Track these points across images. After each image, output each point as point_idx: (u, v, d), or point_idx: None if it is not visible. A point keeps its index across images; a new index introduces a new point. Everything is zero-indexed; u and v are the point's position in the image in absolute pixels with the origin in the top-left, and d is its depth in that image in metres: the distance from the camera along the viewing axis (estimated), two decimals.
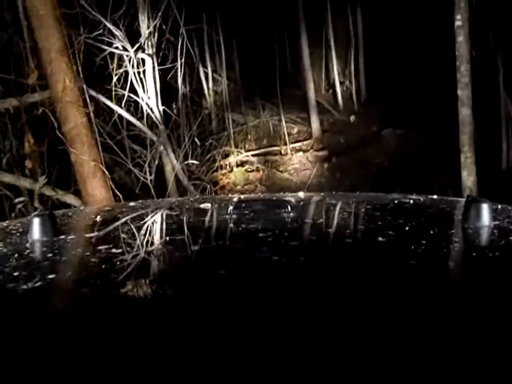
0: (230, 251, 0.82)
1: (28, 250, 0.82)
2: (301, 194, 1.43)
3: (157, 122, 4.92)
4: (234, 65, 8.97)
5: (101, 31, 4.53)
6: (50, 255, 0.79)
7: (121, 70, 4.75)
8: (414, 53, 7.83)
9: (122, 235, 0.96)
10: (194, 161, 5.47)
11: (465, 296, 0.60)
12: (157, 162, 4.83)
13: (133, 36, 4.86)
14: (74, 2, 4.21)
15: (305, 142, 8.14)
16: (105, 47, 4.67)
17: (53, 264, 0.76)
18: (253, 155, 7.60)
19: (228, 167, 7.26)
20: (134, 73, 4.74)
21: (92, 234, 0.93)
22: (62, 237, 0.88)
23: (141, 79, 4.82)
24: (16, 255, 0.78)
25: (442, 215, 1.12)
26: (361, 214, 1.18)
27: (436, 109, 7.02)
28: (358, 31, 9.16)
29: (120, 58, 4.79)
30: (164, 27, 5.08)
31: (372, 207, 1.21)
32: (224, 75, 8.37)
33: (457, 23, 4.23)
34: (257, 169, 7.33)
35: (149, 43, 4.95)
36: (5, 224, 1.06)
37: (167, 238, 0.90)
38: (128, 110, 4.98)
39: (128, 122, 4.95)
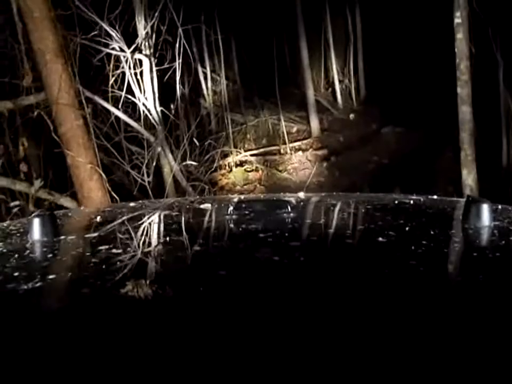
0: (230, 252, 0.82)
1: (28, 251, 0.82)
2: (301, 194, 1.42)
3: (155, 123, 4.89)
4: (233, 64, 8.94)
5: (97, 32, 4.49)
6: (50, 255, 0.80)
7: (118, 71, 4.72)
8: (413, 51, 7.80)
9: (123, 235, 0.96)
10: (193, 162, 5.44)
11: (466, 296, 0.60)
12: (154, 163, 4.79)
13: (130, 37, 4.83)
14: (70, 4, 4.17)
15: (304, 141, 8.11)
16: (102, 48, 4.63)
17: (53, 264, 0.76)
18: (252, 155, 7.58)
19: (227, 167, 7.24)
20: (131, 74, 4.71)
21: (92, 235, 0.93)
22: (62, 237, 0.88)
23: (137, 80, 4.78)
24: (16, 255, 0.78)
25: (442, 216, 1.12)
26: (361, 214, 1.18)
27: (436, 107, 6.99)
28: (357, 29, 9.13)
29: (117, 59, 4.75)
30: (161, 27, 5.04)
31: (372, 207, 1.21)
32: (223, 75, 8.34)
33: (457, 20, 4.20)
34: (257, 169, 7.31)
35: (146, 44, 4.92)
36: (5, 225, 1.06)
37: (167, 239, 0.90)
38: (126, 111, 4.95)
39: (126, 123, 4.92)
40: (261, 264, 0.72)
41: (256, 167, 7.32)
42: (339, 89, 9.17)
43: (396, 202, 1.25)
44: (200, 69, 8.12)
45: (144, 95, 4.86)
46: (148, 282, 0.62)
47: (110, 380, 0.43)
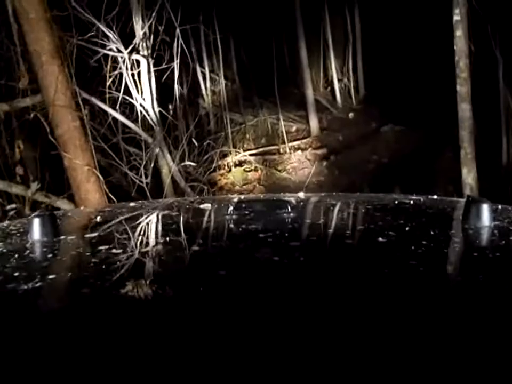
0: (229, 252, 0.82)
1: (28, 251, 0.82)
2: (301, 194, 1.42)
3: (153, 124, 4.87)
4: (232, 64, 8.92)
5: (94, 33, 4.46)
6: (50, 255, 0.80)
7: (115, 72, 4.69)
8: (412, 49, 7.77)
9: (123, 235, 0.96)
10: (191, 163, 5.42)
11: (466, 296, 0.60)
12: (153, 164, 4.77)
13: (128, 37, 4.80)
14: (66, 4, 4.15)
15: (303, 140, 8.09)
16: (99, 49, 4.60)
17: (53, 264, 0.77)
18: (251, 154, 7.56)
19: (226, 167, 7.22)
20: (129, 75, 4.68)
21: (92, 235, 0.93)
22: (62, 237, 0.88)
23: (135, 81, 4.75)
24: (16, 255, 0.78)
25: (442, 216, 1.12)
26: (361, 214, 1.18)
27: (435, 105, 6.97)
28: (356, 28, 9.11)
29: (115, 60, 4.73)
30: (159, 28, 5.01)
31: (372, 207, 1.21)
32: (221, 74, 8.32)
33: (456, 17, 4.17)
34: (256, 169, 7.29)
35: (144, 44, 4.89)
36: (5, 225, 1.06)
37: (167, 239, 0.90)
38: (123, 112, 4.92)
39: (124, 124, 4.90)
40: (260, 264, 0.72)
41: (255, 167, 7.30)
42: (338, 88, 9.15)
43: (396, 202, 1.25)
44: (198, 69, 8.10)
45: (142, 96, 4.83)
46: (147, 282, 0.62)
47: (110, 380, 0.43)
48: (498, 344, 0.48)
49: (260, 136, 8.29)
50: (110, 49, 4.65)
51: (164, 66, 5.02)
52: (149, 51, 4.92)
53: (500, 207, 1.08)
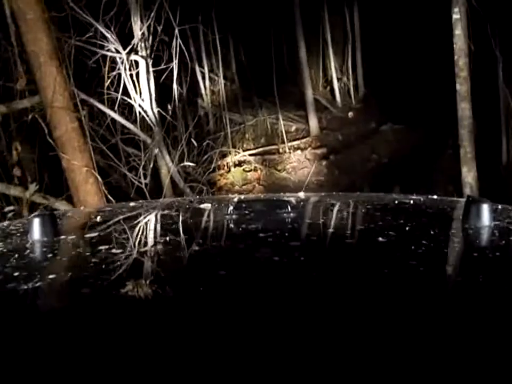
0: (230, 251, 0.82)
1: (28, 250, 0.82)
2: (301, 194, 1.42)
3: (152, 124, 4.85)
4: (231, 64, 8.91)
5: (92, 33, 4.45)
6: (50, 255, 0.80)
7: (114, 73, 4.68)
8: (412, 48, 7.76)
9: (123, 235, 0.96)
10: (190, 163, 5.41)
11: (466, 296, 0.60)
12: (152, 165, 4.75)
13: (127, 38, 4.79)
14: (64, 5, 4.13)
15: (303, 140, 8.08)
16: (97, 50, 4.59)
17: (53, 264, 0.77)
18: (250, 154, 7.55)
19: (225, 167, 7.21)
20: (127, 75, 4.66)
21: (92, 234, 0.92)
22: (63, 237, 0.88)
23: (133, 81, 4.74)
24: (16, 255, 0.78)
25: (442, 216, 1.12)
26: (361, 214, 1.17)
27: (435, 104, 6.95)
28: (355, 27, 9.09)
29: (113, 60, 4.71)
30: (158, 28, 4.99)
31: (372, 207, 1.21)
32: (220, 74, 8.31)
33: (455, 16, 4.16)
34: (255, 169, 7.27)
35: (142, 44, 4.87)
36: (5, 224, 1.07)
37: (167, 238, 0.89)
38: (122, 113, 4.91)
39: (122, 125, 4.88)
40: (261, 264, 0.72)
41: (255, 167, 7.29)
42: (337, 88, 9.13)
43: (396, 202, 1.25)
44: (198, 69, 8.08)
45: (140, 96, 4.81)
46: (147, 282, 0.62)
47: (110, 380, 0.43)
48: (499, 344, 0.48)
49: (259, 136, 8.28)
50: (108, 50, 4.63)
51: (162, 66, 5.01)
52: (148, 51, 4.91)
53: (500, 206, 1.08)
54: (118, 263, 0.75)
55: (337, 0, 8.88)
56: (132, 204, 1.35)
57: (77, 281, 0.68)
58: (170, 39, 5.12)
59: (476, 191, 4.38)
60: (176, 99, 5.27)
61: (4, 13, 3.61)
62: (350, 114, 8.76)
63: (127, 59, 4.66)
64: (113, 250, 0.79)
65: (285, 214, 1.02)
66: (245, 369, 0.44)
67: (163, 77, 5.12)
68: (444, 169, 6.23)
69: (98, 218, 1.10)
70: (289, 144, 7.92)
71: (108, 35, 4.52)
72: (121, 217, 1.14)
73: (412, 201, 1.22)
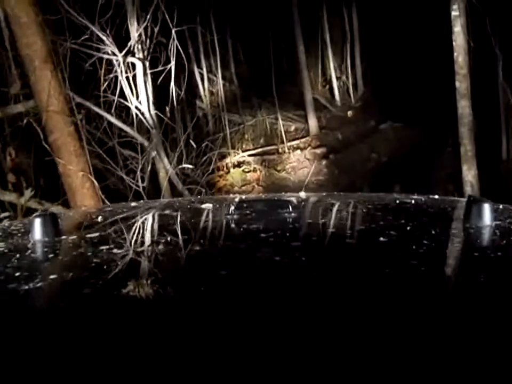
0: (231, 251, 0.82)
1: (30, 251, 0.82)
2: (302, 194, 1.41)
3: (149, 127, 4.82)
4: (230, 64, 8.88)
5: (88, 36, 4.41)
6: (51, 255, 0.80)
7: (111, 76, 4.64)
8: (411, 46, 7.72)
9: (124, 235, 0.96)
10: (189, 165, 5.37)
11: (467, 296, 0.60)
12: (149, 167, 4.72)
13: (123, 40, 4.75)
14: (59, 8, 4.10)
15: (302, 140, 8.05)
16: (93, 53, 4.55)
17: (54, 264, 0.77)
18: (250, 155, 7.51)
19: (224, 168, 7.18)
20: (124, 78, 4.63)
21: (93, 235, 0.92)
22: (64, 237, 0.88)
23: (129, 84, 4.70)
24: (17, 255, 0.78)
25: (443, 215, 1.12)
26: (362, 214, 1.17)
27: (435, 102, 6.92)
28: (354, 26, 9.07)
29: (110, 63, 4.68)
30: (155, 29, 4.96)
31: (373, 207, 1.21)
32: (219, 75, 8.28)
33: (454, 13, 4.12)
34: (255, 170, 7.24)
35: (139, 46, 4.84)
36: (6, 225, 1.07)
37: (168, 239, 0.89)
38: (119, 116, 4.87)
39: (120, 128, 4.85)
40: (262, 264, 0.72)
41: (254, 168, 7.26)
42: (337, 87, 9.11)
43: (397, 202, 1.25)
44: (196, 70, 8.05)
45: (138, 98, 4.78)
46: (149, 282, 0.62)
47: (111, 380, 0.43)
48: (500, 343, 0.47)
49: (259, 136, 8.25)
50: (105, 52, 4.59)
51: (160, 68, 4.97)
52: (145, 53, 4.87)
53: (501, 206, 1.08)
54: (120, 263, 0.75)
55: (335, 0, 8.85)
56: (133, 203, 1.35)
57: (78, 282, 0.67)
58: (168, 40, 5.08)
59: (476, 190, 4.34)
60: (175, 101, 5.23)
61: None
62: (349, 113, 8.73)
63: (124, 61, 4.62)
64: (115, 251, 0.79)
65: (286, 214, 1.02)
66: (246, 369, 0.44)
67: (160, 79, 5.08)
68: (443, 168, 6.20)
69: (99, 219, 1.09)
70: (289, 144, 7.89)
71: (104, 37, 4.49)
72: (122, 217, 1.14)
73: (413, 201, 1.22)
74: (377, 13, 8.44)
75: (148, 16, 4.81)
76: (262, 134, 8.27)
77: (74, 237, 0.90)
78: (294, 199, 1.20)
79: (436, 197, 1.33)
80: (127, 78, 4.67)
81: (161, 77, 4.95)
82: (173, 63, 4.86)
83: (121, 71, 4.59)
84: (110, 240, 0.88)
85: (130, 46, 4.73)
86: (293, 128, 8.45)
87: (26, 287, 0.63)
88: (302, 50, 8.20)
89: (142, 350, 0.47)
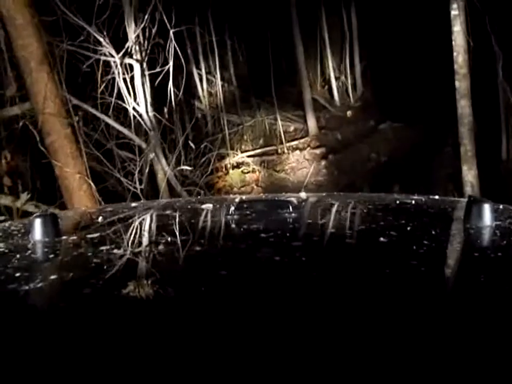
0: (231, 252, 0.82)
1: (30, 251, 0.81)
2: (303, 194, 1.41)
3: (147, 128, 4.79)
4: (229, 65, 8.86)
5: (84, 37, 4.38)
6: (52, 255, 0.80)
7: (108, 77, 4.61)
8: (410, 45, 7.69)
9: (124, 235, 0.96)
10: (187, 167, 5.34)
11: (468, 296, 0.60)
12: (147, 169, 4.69)
13: (121, 41, 4.72)
14: (55, 9, 4.06)
15: (301, 140, 8.02)
16: (90, 54, 4.52)
17: (54, 264, 0.77)
18: (249, 156, 7.49)
19: (223, 169, 7.15)
20: (121, 79, 4.59)
21: (94, 235, 0.91)
22: (64, 237, 0.88)
23: (127, 85, 4.67)
24: (18, 256, 0.78)
25: (444, 216, 1.12)
26: (363, 214, 1.17)
27: (434, 101, 6.89)
28: (352, 26, 9.05)
29: (108, 64, 4.64)
30: (153, 30, 4.92)
31: (373, 207, 1.21)
32: (218, 76, 8.25)
33: (453, 12, 4.09)
34: (254, 170, 7.21)
35: (137, 48, 4.80)
36: (7, 225, 1.07)
37: (168, 239, 0.88)
38: (117, 118, 4.84)
39: (118, 130, 4.82)
40: (262, 264, 0.72)
41: (253, 168, 7.23)
42: (336, 87, 9.09)
43: (398, 202, 1.25)
44: (195, 71, 8.03)
45: (135, 100, 4.75)
46: (149, 282, 0.62)
47: (111, 380, 0.43)
48: (500, 344, 0.47)
49: (258, 137, 8.22)
50: (102, 54, 4.56)
51: (158, 69, 4.93)
52: (143, 54, 4.84)
53: (501, 206, 1.08)
54: (120, 263, 0.75)
55: (334, 0, 8.83)
56: (133, 204, 1.34)
57: (78, 282, 0.67)
58: (166, 41, 5.05)
59: (476, 190, 4.32)
60: (173, 102, 5.19)
61: None
62: (349, 113, 8.71)
63: (121, 63, 4.59)
64: (115, 251, 0.79)
65: (286, 214, 1.02)
66: (247, 369, 0.44)
67: (158, 80, 5.05)
68: (443, 167, 6.17)
69: (99, 219, 1.09)
70: (288, 144, 7.87)
71: (101, 39, 4.45)
72: (122, 217, 1.14)
73: (413, 202, 1.22)
74: (376, 12, 8.42)
75: (146, 17, 4.78)
76: (261, 134, 8.25)
77: (75, 237, 0.90)
78: (294, 199, 1.19)
79: (436, 197, 1.33)
80: (125, 79, 4.64)
81: (159, 78, 4.91)
82: (171, 64, 4.82)
83: (119, 73, 4.55)
84: (111, 241, 0.88)
85: (128, 47, 4.70)
86: (292, 128, 8.43)
87: (27, 288, 0.62)
88: (301, 51, 8.18)
89: (142, 350, 0.47)
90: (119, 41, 4.68)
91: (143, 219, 1.17)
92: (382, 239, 0.83)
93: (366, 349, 0.46)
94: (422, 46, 7.49)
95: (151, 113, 4.84)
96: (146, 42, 4.85)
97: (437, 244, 0.82)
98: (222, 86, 8.41)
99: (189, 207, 1.28)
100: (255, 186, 6.96)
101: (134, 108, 4.72)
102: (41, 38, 3.35)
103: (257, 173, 7.21)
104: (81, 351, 0.47)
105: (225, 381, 0.42)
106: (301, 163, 7.53)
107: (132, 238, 0.96)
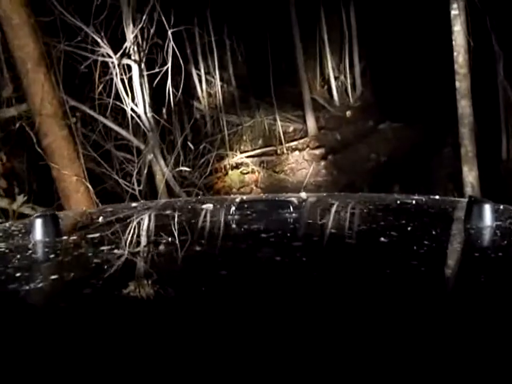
0: (232, 252, 0.82)
1: (30, 251, 0.82)
2: (303, 194, 1.41)
3: (145, 129, 4.76)
4: (228, 65, 8.83)
5: (82, 38, 4.34)
6: (52, 255, 0.79)
7: (106, 78, 4.57)
8: (410, 45, 7.66)
9: (125, 235, 0.97)
10: (186, 168, 5.31)
11: (469, 297, 0.60)
12: (146, 170, 4.66)
13: (119, 42, 4.68)
14: (53, 9, 4.03)
15: (301, 141, 7.99)
16: (88, 55, 4.48)
17: (55, 264, 0.76)
18: (248, 156, 7.46)
19: (222, 170, 7.12)
20: (119, 80, 4.56)
21: (94, 235, 0.92)
22: (65, 237, 0.88)
23: (125, 86, 4.63)
24: (18, 256, 0.78)
25: (444, 216, 1.11)
26: (364, 214, 1.17)
27: (434, 101, 6.87)
28: (352, 26, 9.02)
29: (106, 65, 4.61)
30: (152, 31, 4.89)
31: (374, 207, 1.21)
32: (217, 76, 8.22)
33: (454, 12, 4.06)
34: (253, 171, 7.19)
35: (135, 48, 4.77)
36: (7, 225, 1.07)
37: (169, 239, 0.88)
38: (116, 119, 4.81)
39: (116, 131, 4.79)
40: (263, 264, 0.72)
41: (252, 169, 7.20)
42: (335, 87, 9.06)
43: (398, 202, 1.25)
44: (194, 71, 8.00)
45: (133, 101, 4.71)
46: (149, 282, 0.62)
47: (111, 380, 0.43)
48: (500, 344, 0.47)
49: (257, 138, 8.19)
50: (100, 55, 4.53)
51: (156, 70, 4.90)
52: (141, 55, 4.80)
53: (501, 207, 1.08)
54: (121, 263, 0.74)
55: (333, 0, 8.80)
56: (133, 204, 1.34)
57: (78, 282, 0.67)
58: (165, 41, 5.01)
59: (477, 191, 4.29)
60: (172, 102, 5.16)
61: None
62: (348, 113, 8.68)
63: (119, 63, 4.56)
64: (116, 251, 0.79)
65: (287, 214, 1.02)
66: (247, 369, 0.44)
67: (157, 81, 5.01)
68: (443, 167, 6.15)
69: (100, 219, 1.09)
70: (287, 145, 7.84)
71: (99, 39, 4.42)
72: (123, 217, 1.14)
73: (413, 202, 1.22)
74: (376, 12, 8.39)
75: (144, 17, 4.75)
76: (260, 135, 8.22)
77: (75, 237, 0.90)
78: (295, 199, 1.19)
79: (437, 197, 1.33)
80: (123, 80, 4.61)
81: (158, 79, 4.88)
82: (169, 64, 4.79)
83: (117, 73, 4.52)
84: (111, 241, 0.88)
85: (126, 47, 4.67)
86: (291, 128, 8.40)
87: (27, 287, 0.62)
88: (300, 51, 8.16)
89: (142, 351, 0.47)
90: (117, 42, 4.65)
91: (144, 219, 1.17)
92: (382, 239, 0.82)
93: (367, 349, 0.46)
94: (422, 45, 7.46)
95: (149, 114, 4.81)
96: (144, 42, 4.82)
97: (437, 244, 0.82)
98: (221, 86, 8.38)
99: (189, 207, 1.28)
100: (254, 187, 6.93)
101: (132, 109, 4.68)
102: (38, 38, 3.32)
103: (256, 173, 7.18)
104: (82, 351, 0.47)
105: (225, 381, 0.42)
106: (300, 163, 7.50)
107: (132, 238, 0.96)
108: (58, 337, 0.51)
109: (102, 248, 0.81)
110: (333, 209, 1.23)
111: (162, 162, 4.87)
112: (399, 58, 7.85)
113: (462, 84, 4.17)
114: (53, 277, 0.69)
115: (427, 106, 7.10)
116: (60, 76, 3.65)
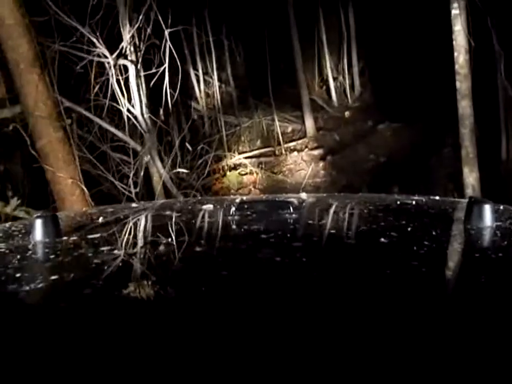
0: (232, 252, 0.82)
1: (30, 251, 0.82)
2: (303, 195, 1.40)
3: (142, 131, 4.70)
4: (226, 66, 8.78)
5: (77, 38, 4.28)
6: (52, 256, 0.80)
7: (102, 78, 4.52)
8: (409, 45, 7.62)
9: (125, 236, 0.96)
10: (183, 170, 5.26)
11: (469, 297, 0.59)
12: (142, 172, 4.61)
13: (115, 42, 4.63)
14: (47, 9, 3.97)
15: (299, 141, 7.95)
16: (83, 55, 4.42)
17: (55, 265, 0.76)
18: (246, 157, 7.41)
19: (220, 171, 7.08)
20: (114, 81, 4.50)
21: (95, 235, 0.91)
22: (65, 238, 0.88)
23: (120, 87, 4.57)
24: (18, 256, 0.78)
25: (445, 216, 1.11)
26: (364, 215, 1.17)
27: (433, 101, 6.83)
28: (350, 26, 8.98)
29: (102, 66, 4.55)
30: (148, 31, 4.83)
31: (374, 208, 1.20)
32: (215, 77, 8.17)
33: (454, 11, 4.02)
34: (251, 172, 7.14)
35: (131, 48, 4.71)
36: (7, 226, 1.08)
37: (169, 240, 0.89)
38: (112, 120, 4.75)
39: (112, 132, 4.73)
40: (263, 265, 0.72)
41: (251, 170, 7.16)
42: (334, 87, 9.02)
43: (398, 203, 1.26)
44: (192, 72, 7.95)
45: (130, 102, 4.66)
46: (150, 283, 0.62)
47: (111, 380, 0.43)
48: (500, 344, 0.47)
49: (255, 138, 8.15)
50: (95, 55, 4.47)
51: (153, 70, 4.85)
52: (138, 55, 4.75)
53: (502, 207, 1.08)
54: (121, 264, 0.75)
55: (332, 0, 8.76)
56: (133, 204, 1.35)
57: (79, 282, 0.67)
58: (162, 41, 4.96)
59: (478, 192, 4.25)
60: (169, 103, 5.11)
61: None
62: (347, 113, 8.64)
63: (115, 64, 4.50)
64: (116, 251, 0.79)
65: (287, 215, 1.03)
66: (247, 370, 0.44)
67: (154, 81, 4.96)
68: (443, 168, 6.12)
69: (101, 219, 1.09)
70: (286, 145, 7.80)
71: (95, 39, 4.36)
72: (123, 218, 1.14)
73: (413, 202, 1.23)
74: (375, 12, 8.35)
75: (141, 17, 4.69)
76: (258, 135, 8.17)
77: (75, 237, 0.90)
78: (294, 200, 1.19)
79: (437, 198, 1.33)
80: (119, 80, 4.55)
81: (155, 79, 4.82)
82: (166, 65, 4.74)
83: (113, 74, 4.46)
84: (111, 241, 0.89)
85: (122, 48, 4.61)
86: (289, 129, 8.36)
87: (27, 288, 0.62)
88: (298, 51, 8.12)
89: (143, 351, 0.47)
90: (113, 42, 4.59)
91: (144, 220, 1.17)
92: (382, 239, 0.83)
93: (367, 350, 0.46)
94: (422, 45, 7.42)
95: (146, 115, 4.75)
96: (141, 43, 4.76)
97: (437, 245, 0.82)
98: (219, 86, 8.33)
99: (189, 207, 1.28)
100: (252, 188, 6.89)
101: (128, 110, 4.63)
102: (32, 39, 3.27)
103: (254, 174, 7.14)
104: (82, 351, 0.47)
105: (225, 381, 0.42)
106: (299, 164, 7.45)
107: (133, 238, 0.96)
108: (59, 337, 0.51)
109: (103, 248, 0.80)
110: (333, 210, 1.23)
111: (159, 163, 4.81)
112: (398, 59, 7.81)
113: (462, 84, 4.13)
114: (53, 277, 0.69)
115: (426, 106, 7.07)
116: (55, 76, 3.60)
